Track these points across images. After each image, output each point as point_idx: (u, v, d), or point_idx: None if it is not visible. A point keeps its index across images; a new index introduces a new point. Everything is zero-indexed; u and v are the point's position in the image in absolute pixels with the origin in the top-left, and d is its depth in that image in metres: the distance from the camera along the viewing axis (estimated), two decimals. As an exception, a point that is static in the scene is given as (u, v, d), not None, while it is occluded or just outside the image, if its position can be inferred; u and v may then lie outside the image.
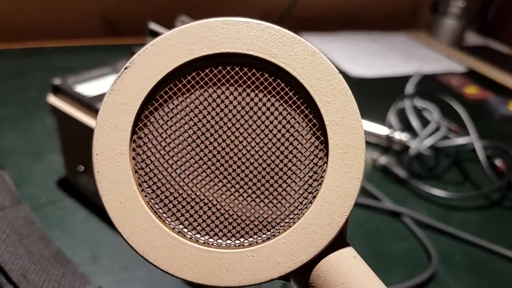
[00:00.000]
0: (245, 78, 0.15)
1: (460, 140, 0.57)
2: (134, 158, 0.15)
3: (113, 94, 0.15)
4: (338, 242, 0.15)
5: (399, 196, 0.50)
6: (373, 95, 0.75)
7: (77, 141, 0.38)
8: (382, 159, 0.54)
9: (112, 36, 0.86)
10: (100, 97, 0.36)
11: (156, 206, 0.15)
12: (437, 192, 0.50)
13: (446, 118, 0.63)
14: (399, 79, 0.83)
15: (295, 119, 0.15)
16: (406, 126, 0.62)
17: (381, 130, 0.59)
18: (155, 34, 0.29)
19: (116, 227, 0.15)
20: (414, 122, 0.62)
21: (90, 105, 0.35)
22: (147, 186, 0.15)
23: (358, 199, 0.47)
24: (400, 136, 0.57)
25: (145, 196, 0.15)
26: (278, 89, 0.15)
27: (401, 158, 0.56)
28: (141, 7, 0.86)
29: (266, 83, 0.15)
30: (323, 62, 0.15)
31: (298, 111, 0.15)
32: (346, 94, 0.15)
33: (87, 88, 0.39)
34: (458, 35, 1.08)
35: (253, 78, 0.15)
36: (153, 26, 0.29)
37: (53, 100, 0.38)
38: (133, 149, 0.15)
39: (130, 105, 0.15)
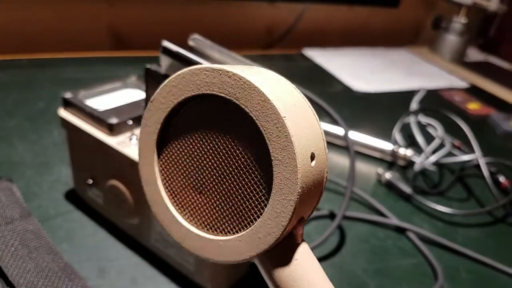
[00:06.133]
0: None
1: (464, 157, 0.58)
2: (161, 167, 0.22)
3: (144, 125, 0.21)
4: (286, 243, 0.20)
5: (403, 211, 0.50)
6: (376, 110, 0.76)
7: (86, 155, 0.39)
8: (387, 174, 0.54)
9: (120, 49, 0.87)
10: (111, 111, 0.37)
11: (173, 200, 0.22)
12: (442, 208, 0.50)
13: (450, 134, 0.64)
14: (401, 94, 0.83)
15: (252, 153, 0.19)
16: (411, 142, 0.63)
17: (385, 145, 0.59)
18: (167, 52, 0.30)
19: (158, 220, 0.22)
20: (419, 138, 0.62)
21: (101, 119, 0.36)
22: (169, 187, 0.22)
23: (363, 215, 0.47)
24: (405, 151, 0.58)
25: (170, 196, 0.22)
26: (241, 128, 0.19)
27: (406, 174, 0.56)
28: (149, 20, 0.87)
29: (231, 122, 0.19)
30: (271, 107, 0.18)
31: (254, 145, 0.19)
32: (287, 136, 0.18)
33: (98, 102, 0.39)
34: (460, 51, 1.09)
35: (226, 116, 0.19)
36: (166, 43, 0.29)
37: (64, 113, 0.39)
38: (160, 160, 0.22)
39: (153, 128, 0.21)
